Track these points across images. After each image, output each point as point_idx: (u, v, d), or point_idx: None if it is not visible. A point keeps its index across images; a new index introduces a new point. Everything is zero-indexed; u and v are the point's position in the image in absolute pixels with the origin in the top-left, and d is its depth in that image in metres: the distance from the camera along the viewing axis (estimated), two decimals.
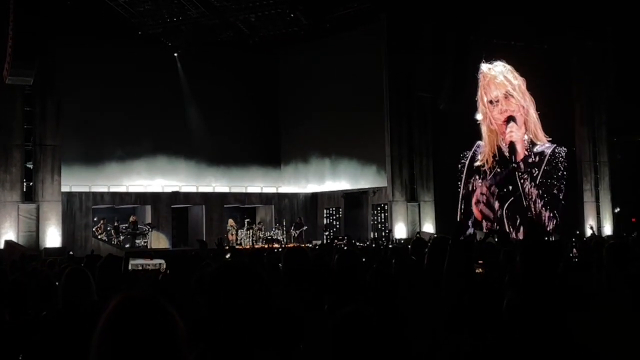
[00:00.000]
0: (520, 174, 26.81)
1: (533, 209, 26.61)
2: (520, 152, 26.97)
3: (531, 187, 26.95)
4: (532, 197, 26.86)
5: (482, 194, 26.11)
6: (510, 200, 26.41)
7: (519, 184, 26.68)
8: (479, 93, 26.10)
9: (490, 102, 26.62)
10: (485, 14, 23.41)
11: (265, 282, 2.42)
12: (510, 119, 26.83)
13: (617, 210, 27.25)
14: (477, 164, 26.17)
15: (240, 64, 28.56)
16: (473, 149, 26.21)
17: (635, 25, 24.66)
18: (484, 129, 26.45)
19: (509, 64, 26.90)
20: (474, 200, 25.98)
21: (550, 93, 27.46)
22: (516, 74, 27.14)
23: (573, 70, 28.21)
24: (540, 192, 27.05)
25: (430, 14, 23.42)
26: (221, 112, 28.61)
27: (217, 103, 28.44)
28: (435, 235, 13.92)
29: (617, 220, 26.89)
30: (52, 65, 21.18)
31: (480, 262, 7.42)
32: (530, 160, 27.17)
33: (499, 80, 26.86)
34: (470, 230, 23.66)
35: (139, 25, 25.00)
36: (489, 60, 26.38)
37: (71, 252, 18.52)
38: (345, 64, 26.80)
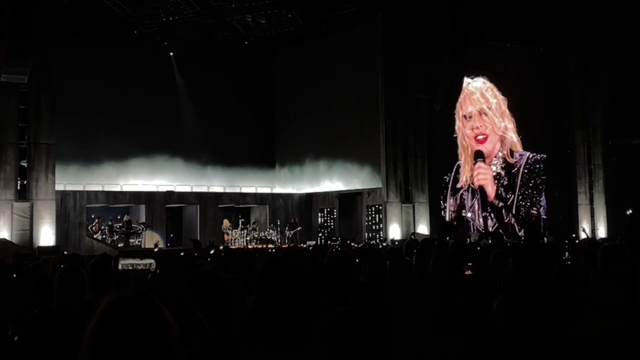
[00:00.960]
0: (494, 210, 26.39)
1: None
2: (492, 193, 26.40)
3: (508, 218, 26.48)
4: (510, 229, 26.05)
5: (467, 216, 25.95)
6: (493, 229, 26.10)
7: (496, 219, 26.37)
8: (456, 106, 25.55)
9: (465, 116, 26.45)
10: (482, 15, 23.42)
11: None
12: (478, 155, 26.19)
13: (629, 212, 27.07)
14: (459, 185, 26.03)
15: (236, 64, 28.55)
16: (454, 170, 26.01)
17: (631, 29, 24.69)
18: (459, 143, 26.32)
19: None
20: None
21: (545, 96, 27.46)
22: (496, 92, 26.83)
23: (569, 73, 28.24)
24: (519, 219, 26.44)
25: (427, 15, 23.43)
26: (216, 111, 28.59)
27: (213, 103, 28.41)
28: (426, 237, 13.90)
29: (630, 221, 26.55)
30: (47, 64, 21.11)
31: (469, 264, 7.42)
32: (504, 183, 26.67)
33: (475, 97, 26.63)
34: (468, 233, 23.65)
35: (135, 24, 24.98)
36: (471, 75, 25.72)
37: (65, 252, 18.45)
38: (342, 64, 26.80)
